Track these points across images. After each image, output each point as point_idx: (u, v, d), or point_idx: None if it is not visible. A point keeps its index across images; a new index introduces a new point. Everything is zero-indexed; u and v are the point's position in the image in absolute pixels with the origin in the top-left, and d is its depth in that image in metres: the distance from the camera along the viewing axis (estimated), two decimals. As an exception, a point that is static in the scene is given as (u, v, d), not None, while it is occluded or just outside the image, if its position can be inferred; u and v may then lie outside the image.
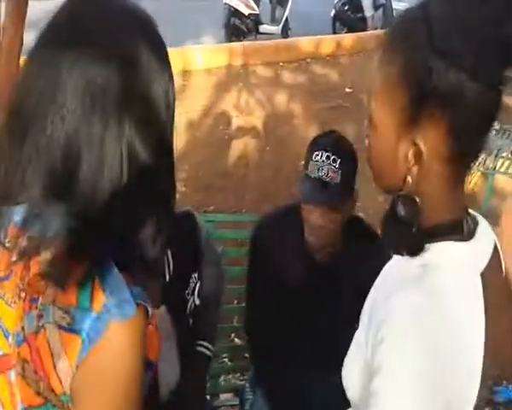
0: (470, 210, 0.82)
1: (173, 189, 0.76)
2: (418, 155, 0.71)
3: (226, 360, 2.55)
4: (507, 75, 0.69)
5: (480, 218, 0.82)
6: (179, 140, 4.07)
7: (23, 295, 0.67)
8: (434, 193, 0.74)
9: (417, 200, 0.73)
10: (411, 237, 0.73)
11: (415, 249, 0.74)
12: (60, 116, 0.65)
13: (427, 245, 0.74)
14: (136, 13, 0.73)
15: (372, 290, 0.86)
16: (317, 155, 1.43)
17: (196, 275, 1.49)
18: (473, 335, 0.72)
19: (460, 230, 0.75)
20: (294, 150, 4.16)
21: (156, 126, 0.71)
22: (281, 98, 5.20)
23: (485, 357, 0.73)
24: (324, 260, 1.56)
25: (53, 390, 0.66)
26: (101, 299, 0.64)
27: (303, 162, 1.57)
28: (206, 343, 1.53)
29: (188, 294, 1.46)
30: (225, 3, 7.41)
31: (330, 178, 1.42)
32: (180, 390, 1.41)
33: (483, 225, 0.81)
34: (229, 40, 7.28)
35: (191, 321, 1.50)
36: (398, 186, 0.74)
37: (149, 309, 0.69)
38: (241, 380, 2.36)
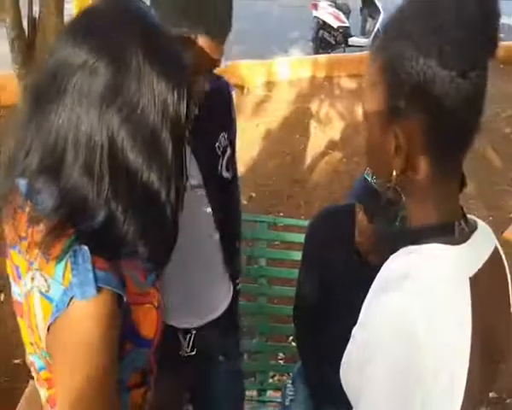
0: (472, 217, 0.82)
1: (167, 193, 0.78)
2: (399, 147, 0.72)
3: (282, 361, 2.61)
4: (484, 66, 0.69)
5: (481, 225, 0.82)
6: (254, 148, 4.21)
7: (27, 257, 0.76)
8: (420, 190, 0.75)
9: (400, 192, 0.74)
10: (395, 229, 0.75)
11: (398, 242, 0.75)
12: (57, 103, 0.73)
13: (414, 246, 0.74)
14: (143, 24, 0.78)
15: (371, 288, 0.88)
16: None
17: (226, 135, 1.45)
18: (453, 337, 0.72)
19: (450, 232, 0.75)
20: (371, 163, 4.13)
21: (145, 129, 0.74)
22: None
23: (472, 355, 0.72)
24: (375, 262, 1.56)
25: (36, 344, 0.79)
26: (68, 277, 0.71)
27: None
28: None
29: (218, 147, 1.43)
30: (315, 16, 7.50)
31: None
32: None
33: (481, 232, 0.80)
34: (317, 53, 7.34)
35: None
36: (388, 179, 0.75)
37: (123, 295, 0.75)
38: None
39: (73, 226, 0.73)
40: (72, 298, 0.71)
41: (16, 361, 2.39)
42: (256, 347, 2.35)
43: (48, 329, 0.74)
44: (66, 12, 3.01)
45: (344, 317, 1.53)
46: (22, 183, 0.78)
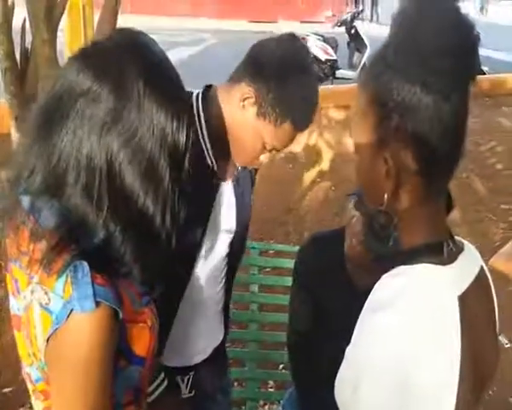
0: (458, 237, 0.85)
1: (162, 219, 0.81)
2: (389, 171, 0.75)
3: (272, 389, 2.59)
4: (465, 90, 0.73)
5: (467, 246, 0.85)
6: (245, 176, 4.26)
7: (28, 271, 0.79)
8: (410, 212, 0.78)
9: (392, 214, 0.77)
10: (387, 250, 0.78)
11: (390, 263, 0.78)
12: (60, 126, 0.77)
13: (405, 266, 0.77)
14: (146, 55, 0.81)
15: (363, 308, 0.86)
16: None
17: (252, 190, 1.52)
18: (442, 356, 0.73)
19: (439, 253, 0.78)
20: (359, 191, 4.18)
21: (142, 156, 0.78)
22: (350, 140, 5.24)
23: (461, 381, 0.73)
24: (367, 286, 1.57)
25: (34, 355, 0.81)
26: (69, 290, 0.74)
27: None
28: None
29: (251, 199, 1.50)
30: (303, 49, 7.67)
31: None
32: None
33: (468, 252, 0.84)
34: (306, 84, 7.49)
35: None
36: (381, 204, 0.79)
37: (119, 311, 0.77)
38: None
39: (74, 243, 0.76)
40: (71, 311, 0.74)
41: (5, 390, 2.35)
42: (246, 374, 2.34)
43: (47, 340, 0.76)
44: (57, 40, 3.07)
45: (338, 340, 1.55)
46: (25, 199, 0.81)
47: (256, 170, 1.50)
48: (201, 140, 1.25)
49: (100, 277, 0.76)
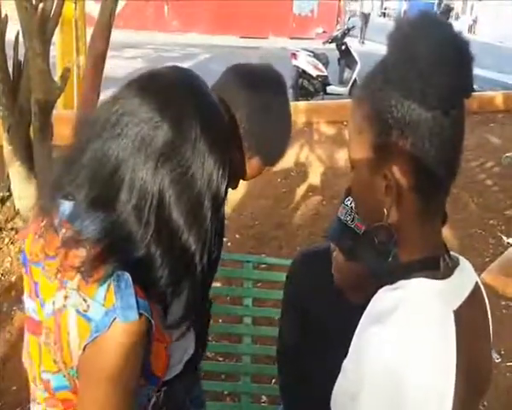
0: (453, 253, 0.86)
1: (201, 257, 0.84)
2: (389, 187, 0.75)
3: (266, 404, 2.58)
4: (461, 105, 0.75)
5: (462, 260, 0.86)
6: (238, 192, 4.26)
7: (59, 276, 0.79)
8: (408, 227, 0.79)
9: (391, 228, 0.78)
10: (387, 264, 0.78)
11: (390, 277, 0.79)
12: (117, 143, 0.79)
13: (403, 281, 0.77)
14: (204, 100, 0.85)
15: (360, 322, 0.87)
16: (349, 200, 1.45)
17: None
18: (438, 369, 0.74)
19: (435, 267, 0.79)
20: (350, 206, 4.20)
21: (191, 193, 0.81)
22: (341, 155, 5.31)
23: (456, 392, 0.73)
24: (358, 301, 1.57)
25: (64, 362, 0.80)
26: (111, 299, 0.75)
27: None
28: None
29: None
30: (294, 65, 7.74)
31: (355, 226, 1.45)
32: None
33: (463, 267, 0.85)
34: (297, 100, 7.53)
35: None
36: (379, 219, 0.79)
37: (153, 323, 0.78)
38: (277, 424, 2.37)
39: (115, 255, 0.77)
40: (114, 320, 0.74)
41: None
42: (240, 388, 2.33)
43: (84, 348, 0.76)
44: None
45: (332, 354, 1.55)
46: (65, 205, 0.82)
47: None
48: None
49: (139, 289, 0.77)
